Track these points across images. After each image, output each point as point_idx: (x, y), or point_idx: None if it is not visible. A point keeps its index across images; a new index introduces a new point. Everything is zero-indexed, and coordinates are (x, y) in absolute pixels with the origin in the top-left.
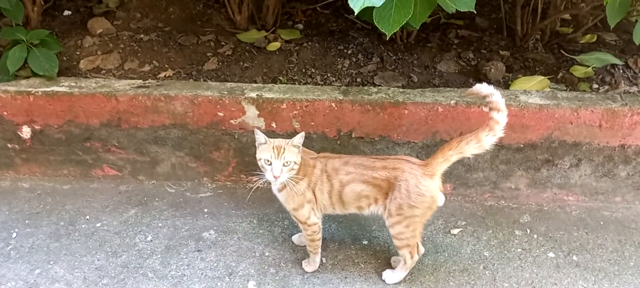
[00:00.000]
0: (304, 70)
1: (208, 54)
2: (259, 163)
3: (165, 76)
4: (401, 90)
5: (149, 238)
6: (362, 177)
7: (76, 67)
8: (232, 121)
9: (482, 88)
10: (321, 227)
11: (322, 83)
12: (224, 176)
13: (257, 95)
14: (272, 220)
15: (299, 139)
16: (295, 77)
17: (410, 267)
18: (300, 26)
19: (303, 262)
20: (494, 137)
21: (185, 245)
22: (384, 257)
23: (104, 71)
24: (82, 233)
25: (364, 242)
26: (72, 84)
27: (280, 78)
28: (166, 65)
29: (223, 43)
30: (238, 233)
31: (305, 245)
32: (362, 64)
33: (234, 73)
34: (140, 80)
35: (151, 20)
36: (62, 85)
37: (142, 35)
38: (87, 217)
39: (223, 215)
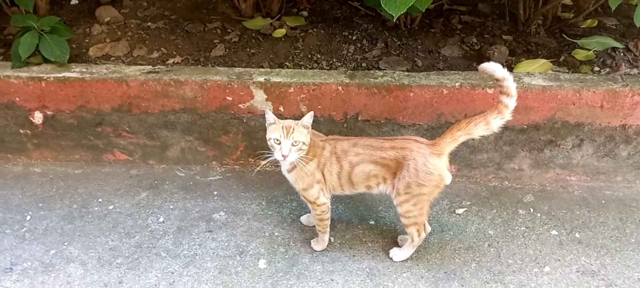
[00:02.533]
0: (309, 56)
1: (215, 41)
2: (268, 143)
3: (173, 62)
4: (406, 73)
5: (161, 219)
6: (371, 157)
7: (85, 54)
8: (240, 105)
9: (497, 69)
10: (330, 206)
11: (328, 68)
12: (232, 160)
13: (265, 79)
14: (281, 202)
15: (308, 118)
16: (301, 63)
17: (418, 245)
18: (305, 13)
19: (312, 241)
20: (502, 119)
21: (196, 226)
22: (391, 236)
23: (113, 58)
24: (95, 215)
25: (371, 222)
26: (84, 70)
27: (287, 63)
28: (174, 52)
29: (229, 30)
30: (248, 214)
31: (313, 226)
32: (366, 49)
33: (241, 59)
34: (150, 66)
35: (158, 9)
36: (74, 71)
37: (149, 23)
38: (100, 200)
39: (232, 198)
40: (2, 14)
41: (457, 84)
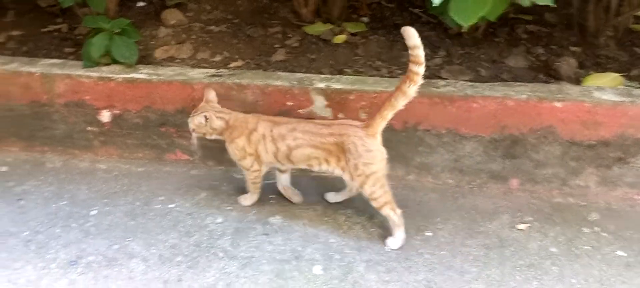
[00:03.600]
0: (369, 63)
1: (275, 46)
2: None
3: (235, 66)
4: (470, 83)
5: (219, 220)
6: (310, 142)
7: (151, 55)
8: (300, 111)
9: (413, 37)
10: (262, 174)
11: (389, 75)
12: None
13: (325, 86)
14: (336, 209)
15: (202, 118)
16: (362, 70)
17: (401, 223)
18: (366, 19)
19: (240, 197)
20: (415, 85)
21: (253, 229)
22: (449, 249)
23: (178, 60)
24: (156, 213)
25: (428, 233)
26: (151, 72)
27: (347, 70)
28: (236, 56)
29: (290, 35)
30: (303, 219)
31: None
32: (428, 58)
33: (302, 64)
34: (214, 70)
35: (221, 13)
36: (141, 73)
37: (212, 27)
38: (161, 198)
39: (288, 202)
40: (72, 14)
41: (523, 96)
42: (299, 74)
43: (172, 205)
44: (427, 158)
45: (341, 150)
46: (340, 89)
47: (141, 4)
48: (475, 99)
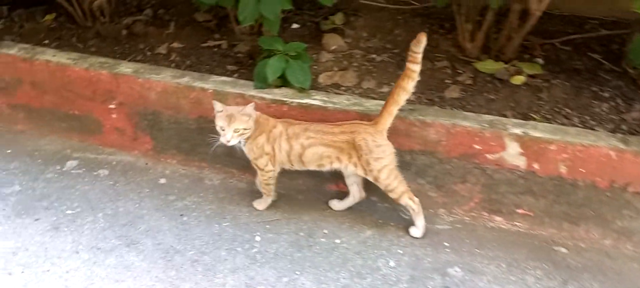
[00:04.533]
0: (557, 110)
1: (446, 81)
2: (216, 129)
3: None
4: None
5: (392, 264)
6: (322, 141)
7: (315, 80)
8: (488, 155)
9: (422, 44)
10: (276, 175)
11: (581, 126)
12: (463, 210)
13: (522, 132)
14: (523, 268)
15: (250, 108)
16: (549, 116)
17: (420, 210)
18: (540, 60)
19: (254, 202)
20: (413, 82)
21: (431, 278)
22: None
23: (343, 87)
24: (322, 247)
25: None
26: (325, 98)
27: (533, 115)
28: None
29: (459, 71)
30: (487, 275)
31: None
32: (623, 110)
33: (479, 104)
34: None
35: (379, 41)
36: (315, 99)
37: (374, 55)
38: (325, 231)
39: (466, 253)
40: (228, 30)
41: None
42: (487, 115)
43: (338, 241)
44: (630, 224)
45: (352, 147)
46: (539, 137)
47: (295, 26)
48: None
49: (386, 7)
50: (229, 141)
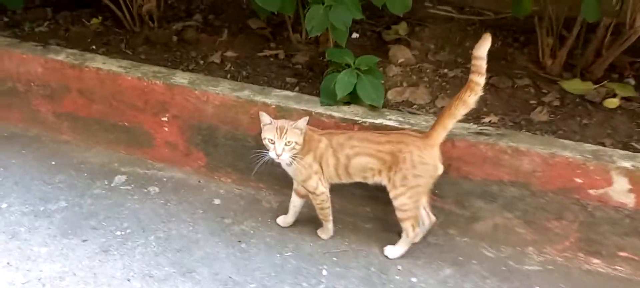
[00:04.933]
0: None
1: (531, 102)
2: (263, 142)
3: (490, 122)
4: None
5: None
6: (366, 150)
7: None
8: (591, 191)
9: (482, 49)
10: (329, 196)
11: None
12: (556, 250)
13: (632, 165)
14: None
15: (302, 122)
16: None
17: (412, 240)
18: (632, 81)
19: (318, 230)
20: (476, 96)
21: None
22: None
23: (415, 105)
24: (397, 285)
25: None
26: (400, 118)
27: (635, 145)
28: (485, 109)
29: (544, 90)
30: None
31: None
32: None
33: (572, 130)
34: (475, 126)
35: (448, 54)
36: (390, 119)
37: (445, 70)
38: (399, 267)
39: None
40: (284, 39)
41: None
42: (589, 145)
43: (415, 279)
44: None
45: (395, 160)
46: None
47: (355, 35)
48: None
49: (454, 16)
50: (279, 155)
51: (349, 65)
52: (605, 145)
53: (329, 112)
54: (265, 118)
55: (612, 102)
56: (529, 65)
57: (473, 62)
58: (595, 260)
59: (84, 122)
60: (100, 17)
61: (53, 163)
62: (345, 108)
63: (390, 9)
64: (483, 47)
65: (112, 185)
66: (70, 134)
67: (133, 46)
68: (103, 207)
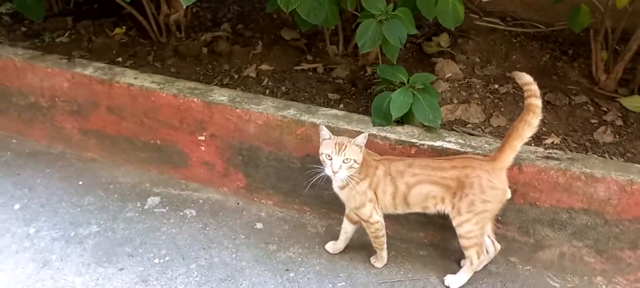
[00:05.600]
0: None
1: (591, 121)
2: (320, 157)
3: (552, 143)
4: None
5: None
6: (430, 178)
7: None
8: None
9: (524, 76)
10: (384, 223)
11: None
12: (627, 280)
13: None
14: None
15: (362, 139)
16: None
17: (476, 268)
18: None
19: (371, 258)
20: (538, 118)
21: None
22: None
23: (469, 125)
24: None
25: None
26: (461, 141)
27: None
28: (543, 128)
29: (603, 108)
30: None
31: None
32: None
33: None
34: (543, 149)
35: (496, 68)
36: (450, 141)
37: (495, 85)
38: None
39: None
40: (320, 51)
41: None
42: None
43: None
44: None
45: (461, 186)
46: None
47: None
48: None
49: (498, 28)
50: (336, 172)
51: (403, 83)
52: None
53: (383, 133)
54: (324, 132)
55: None
56: (582, 80)
57: (524, 88)
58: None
59: (112, 140)
60: (123, 27)
61: (80, 183)
62: (400, 129)
63: (442, 22)
64: (523, 77)
65: (145, 207)
66: (96, 151)
67: (161, 58)
68: (138, 232)
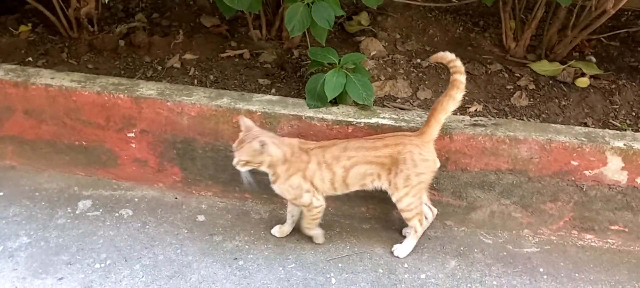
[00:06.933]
0: (634, 113)
1: (507, 87)
2: None
3: (476, 111)
4: None
5: None
6: (365, 158)
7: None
8: (586, 172)
9: (446, 55)
10: (324, 205)
11: None
12: (550, 230)
13: (624, 144)
14: None
15: (257, 144)
16: (629, 121)
17: (420, 234)
18: (593, 58)
19: (313, 237)
20: (462, 93)
21: None
22: None
23: (398, 99)
24: (408, 284)
25: None
26: (394, 116)
27: (614, 122)
28: (466, 97)
29: (516, 74)
30: None
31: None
32: None
33: (554, 112)
34: (468, 118)
35: (417, 43)
36: (384, 117)
37: (418, 60)
38: (405, 265)
39: (565, 278)
40: (243, 36)
41: None
42: (580, 127)
43: (424, 276)
44: None
45: (395, 163)
46: None
47: None
48: None
49: (412, 4)
50: (235, 165)
51: (333, 64)
52: (588, 125)
53: (320, 115)
54: (242, 123)
55: (583, 82)
56: (494, 49)
57: (449, 66)
58: (588, 236)
59: (31, 145)
60: (29, 24)
61: (1, 194)
62: (336, 109)
63: (365, 2)
64: (444, 54)
65: (77, 212)
66: (15, 158)
67: (76, 55)
68: (73, 238)
